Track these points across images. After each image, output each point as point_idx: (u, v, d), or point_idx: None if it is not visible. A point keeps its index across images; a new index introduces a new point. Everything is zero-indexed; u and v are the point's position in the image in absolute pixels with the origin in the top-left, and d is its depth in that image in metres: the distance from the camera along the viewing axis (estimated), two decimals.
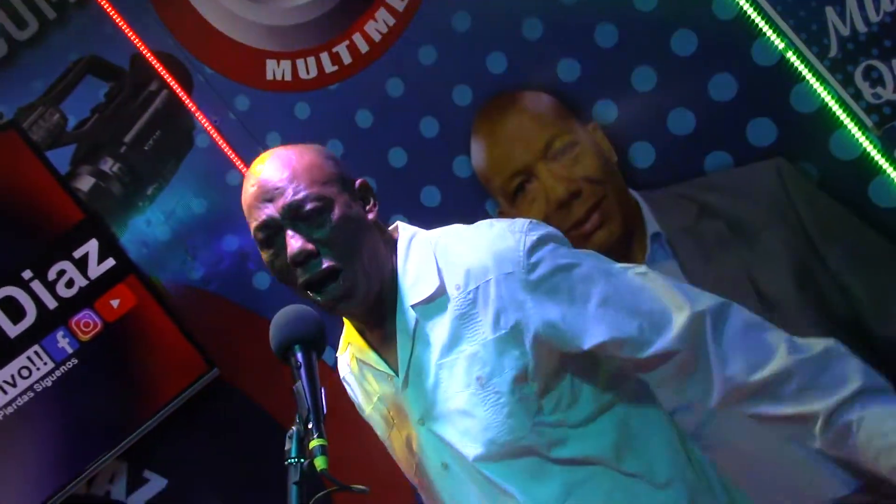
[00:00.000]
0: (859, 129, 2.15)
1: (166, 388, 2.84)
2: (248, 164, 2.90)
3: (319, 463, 1.24)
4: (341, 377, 1.71)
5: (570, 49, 2.44)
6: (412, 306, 1.48)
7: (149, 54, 2.95)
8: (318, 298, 1.45)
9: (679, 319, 1.39)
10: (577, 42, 2.43)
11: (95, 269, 2.85)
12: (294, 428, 1.30)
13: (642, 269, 1.48)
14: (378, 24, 2.67)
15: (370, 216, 1.50)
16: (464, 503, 1.55)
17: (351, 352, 1.62)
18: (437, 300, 1.47)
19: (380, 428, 1.64)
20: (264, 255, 1.50)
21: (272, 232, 1.45)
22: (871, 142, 2.14)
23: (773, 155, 2.27)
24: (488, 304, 1.43)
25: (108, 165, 3.04)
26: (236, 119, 2.92)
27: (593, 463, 1.46)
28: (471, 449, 1.46)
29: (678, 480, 1.52)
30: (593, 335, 1.41)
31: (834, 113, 2.16)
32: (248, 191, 1.47)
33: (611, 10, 2.37)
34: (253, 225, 1.48)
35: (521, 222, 1.47)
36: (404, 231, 1.56)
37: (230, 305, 3.01)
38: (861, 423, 1.33)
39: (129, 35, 2.95)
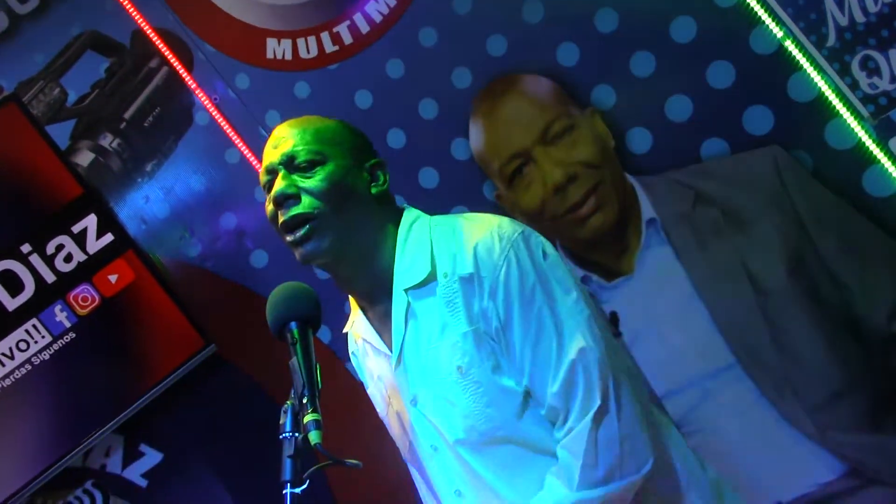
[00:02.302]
0: (855, 118, 2.18)
1: (163, 364, 2.85)
2: (247, 142, 2.92)
3: (313, 437, 1.27)
4: (350, 352, 1.75)
5: (569, 33, 2.46)
6: (405, 290, 1.51)
7: (150, 31, 2.95)
8: (290, 240, 1.51)
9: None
10: (576, 27, 2.45)
11: (94, 244, 2.85)
12: (289, 403, 1.33)
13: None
14: (379, 5, 2.67)
15: (372, 191, 1.53)
16: (450, 486, 1.58)
17: (355, 328, 1.65)
18: (428, 285, 1.50)
19: (379, 406, 1.67)
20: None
21: (272, 177, 1.54)
22: (866, 132, 2.17)
23: (769, 143, 2.30)
24: (464, 299, 1.47)
25: (108, 141, 3.05)
26: (236, 97, 2.93)
27: None
28: (451, 433, 1.50)
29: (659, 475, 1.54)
30: (522, 374, 1.48)
31: (830, 102, 2.19)
32: (266, 144, 1.58)
33: None
34: (261, 171, 1.58)
35: (511, 231, 1.50)
36: (408, 215, 1.59)
37: (227, 283, 3.02)
38: None
39: (130, 11, 2.95)
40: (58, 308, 2.81)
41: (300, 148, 1.52)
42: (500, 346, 1.47)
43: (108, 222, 2.87)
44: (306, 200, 1.49)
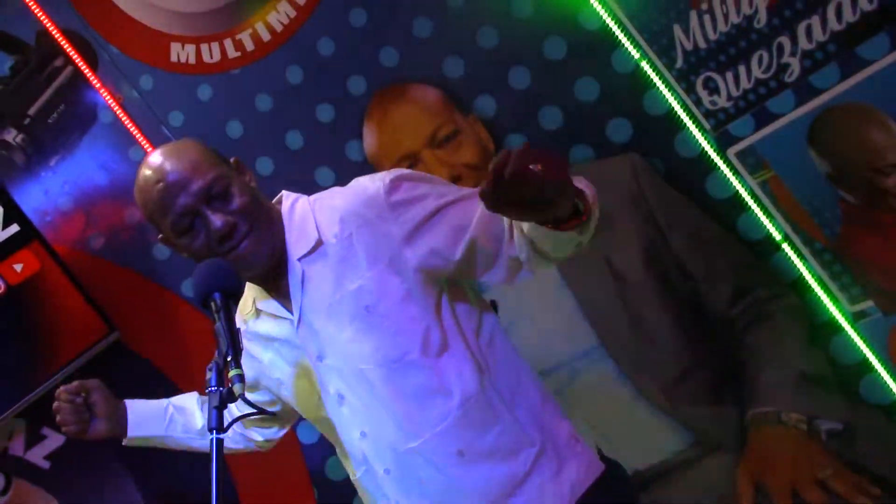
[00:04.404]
0: (699, 130, 2.43)
1: (67, 349, 2.91)
2: (150, 140, 2.98)
3: (237, 389, 1.44)
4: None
5: (455, 48, 2.67)
6: (298, 259, 1.69)
7: (55, 31, 3.01)
8: (234, 256, 1.64)
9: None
10: (461, 41, 2.65)
11: None
12: (214, 362, 1.49)
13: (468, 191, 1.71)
14: (280, 15, 2.83)
15: (253, 184, 1.71)
16: (356, 429, 1.73)
17: (252, 305, 1.79)
18: (318, 250, 1.67)
19: (279, 370, 1.80)
20: (182, 241, 1.66)
21: (191, 218, 1.63)
22: (708, 142, 2.42)
23: (628, 150, 2.53)
24: (363, 245, 1.64)
25: (12, 136, 3.08)
26: (140, 97, 3.01)
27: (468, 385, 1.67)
28: (363, 365, 1.66)
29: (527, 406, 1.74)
30: (458, 247, 1.63)
31: (679, 116, 2.44)
32: (156, 188, 1.63)
33: (492, 15, 2.61)
34: (170, 218, 1.64)
35: (381, 173, 1.68)
36: (287, 198, 1.76)
37: (130, 273, 3.09)
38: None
39: (35, 12, 3.00)
40: None
41: (208, 180, 1.62)
42: (431, 260, 1.63)
43: (14, 214, 2.92)
44: (242, 220, 1.63)
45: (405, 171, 1.70)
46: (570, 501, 1.71)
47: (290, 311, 1.73)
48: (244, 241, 1.64)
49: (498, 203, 1.34)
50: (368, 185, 1.68)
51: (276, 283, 1.74)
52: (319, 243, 1.68)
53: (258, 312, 1.79)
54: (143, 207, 1.69)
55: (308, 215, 1.71)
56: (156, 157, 1.67)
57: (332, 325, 1.68)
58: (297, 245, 1.70)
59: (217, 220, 1.62)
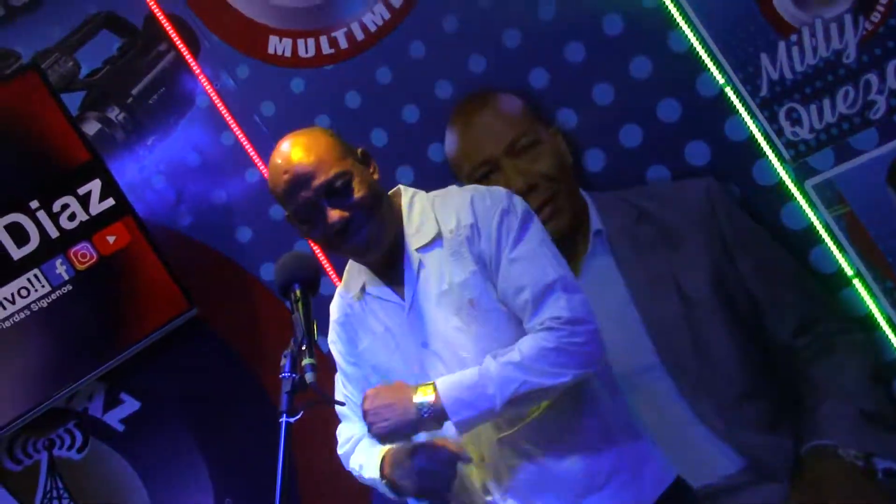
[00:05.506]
0: (779, 160, 2.43)
1: (149, 321, 3.04)
2: (242, 127, 3.09)
3: (309, 377, 1.54)
4: (334, 317, 1.95)
5: (542, 60, 2.71)
6: (416, 250, 1.79)
7: (161, 17, 3.13)
8: (349, 247, 1.76)
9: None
10: (549, 54, 2.69)
11: (96, 207, 3.03)
12: (289, 349, 1.58)
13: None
14: (375, 17, 2.91)
15: (375, 177, 1.81)
16: None
17: (362, 289, 1.88)
18: (435, 242, 1.79)
19: (380, 356, 1.88)
20: (302, 229, 1.79)
21: (310, 210, 1.75)
22: (787, 172, 2.43)
23: (705, 174, 2.55)
24: (472, 245, 1.75)
25: (115, 114, 3.22)
26: (236, 86, 3.12)
27: None
28: (465, 354, 1.76)
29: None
30: (512, 293, 1.75)
31: (759, 144, 2.45)
32: (283, 178, 1.75)
33: (581, 30, 2.64)
34: (291, 208, 1.77)
35: (502, 191, 1.81)
36: (406, 191, 1.88)
37: (213, 253, 3.21)
38: None
39: None
40: (58, 262, 3.01)
41: (331, 176, 1.72)
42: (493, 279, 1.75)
43: (111, 188, 3.05)
44: (358, 214, 1.74)
45: (518, 200, 1.80)
46: (651, 501, 1.80)
47: (401, 297, 1.83)
48: (359, 232, 1.74)
49: None
50: (487, 197, 1.78)
51: (389, 270, 1.85)
52: (438, 236, 1.79)
53: (366, 297, 1.88)
54: (272, 191, 1.81)
55: (428, 210, 1.83)
56: (286, 147, 1.78)
57: (440, 314, 1.78)
58: (415, 236, 1.81)
59: (333, 215, 1.73)
